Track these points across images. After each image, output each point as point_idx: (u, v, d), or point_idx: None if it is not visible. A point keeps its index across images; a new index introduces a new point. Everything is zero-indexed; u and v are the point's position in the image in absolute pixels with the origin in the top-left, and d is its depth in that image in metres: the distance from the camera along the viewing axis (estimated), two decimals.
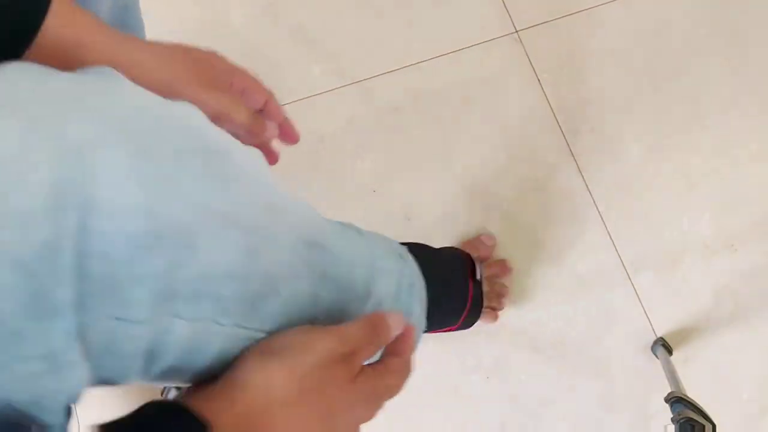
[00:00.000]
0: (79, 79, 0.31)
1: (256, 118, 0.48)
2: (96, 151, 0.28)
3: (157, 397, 0.73)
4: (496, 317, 0.82)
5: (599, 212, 0.86)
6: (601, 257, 0.85)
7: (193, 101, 0.37)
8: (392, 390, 0.41)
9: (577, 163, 0.87)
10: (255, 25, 0.94)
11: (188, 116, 0.35)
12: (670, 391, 0.70)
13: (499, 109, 0.89)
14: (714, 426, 0.60)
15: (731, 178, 0.87)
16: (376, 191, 0.89)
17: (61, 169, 0.27)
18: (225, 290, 0.34)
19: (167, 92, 0.37)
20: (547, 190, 0.87)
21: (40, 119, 0.27)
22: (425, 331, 0.70)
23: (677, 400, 0.66)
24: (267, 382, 0.35)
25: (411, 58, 0.91)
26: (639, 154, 0.87)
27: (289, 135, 0.54)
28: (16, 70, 0.30)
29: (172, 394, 0.76)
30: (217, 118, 0.44)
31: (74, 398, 0.30)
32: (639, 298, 0.84)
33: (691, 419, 0.60)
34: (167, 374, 0.35)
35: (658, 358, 0.82)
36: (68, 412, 0.31)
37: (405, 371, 0.42)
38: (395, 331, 0.42)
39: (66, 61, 0.37)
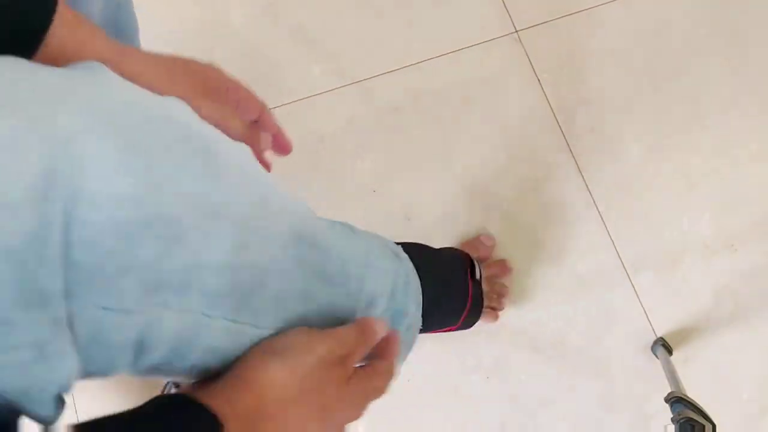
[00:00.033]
0: (69, 74, 0.32)
1: (250, 129, 0.49)
2: (84, 142, 0.28)
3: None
4: (496, 317, 0.82)
5: (599, 212, 0.86)
6: (601, 257, 0.85)
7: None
8: (378, 391, 0.44)
9: (577, 163, 0.87)
10: (255, 25, 0.94)
11: (177, 111, 0.35)
12: (670, 391, 0.70)
13: (499, 109, 0.89)
14: (714, 426, 0.60)
15: (731, 178, 0.87)
16: (376, 191, 0.89)
17: (49, 159, 0.27)
18: (213, 282, 0.34)
19: None
20: (547, 190, 0.87)
21: (29, 111, 0.28)
22: (426, 331, 0.70)
23: (677, 400, 0.66)
24: (270, 380, 0.36)
25: (411, 58, 0.91)
26: (639, 154, 0.88)
27: (282, 146, 0.56)
28: (4, 64, 0.30)
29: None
30: None
31: (65, 388, 0.30)
32: (639, 298, 0.84)
33: (691, 419, 0.60)
34: (157, 367, 0.36)
35: (658, 358, 0.82)
36: (60, 404, 0.31)
37: (390, 374, 0.45)
38: (380, 335, 0.45)
39: None
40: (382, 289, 0.51)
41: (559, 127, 0.88)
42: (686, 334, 0.84)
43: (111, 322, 0.31)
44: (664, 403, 0.68)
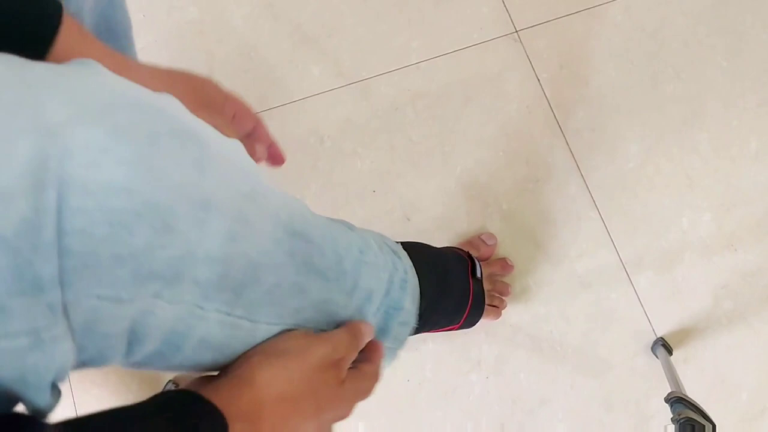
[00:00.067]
0: (59, 67, 0.32)
1: (245, 141, 0.50)
2: (74, 130, 0.28)
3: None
4: (498, 315, 0.82)
5: (599, 212, 0.86)
6: (601, 257, 0.86)
7: None
8: (367, 393, 0.46)
9: (577, 163, 0.88)
10: (255, 25, 0.94)
11: (167, 103, 0.35)
12: (670, 391, 0.70)
13: (499, 109, 0.90)
14: (714, 426, 0.60)
15: (731, 178, 0.87)
16: (376, 191, 0.89)
17: (39, 147, 0.27)
18: (205, 274, 0.34)
19: None
20: (547, 190, 0.87)
21: (18, 100, 0.28)
22: (428, 331, 0.70)
23: (677, 400, 0.66)
24: (271, 380, 0.38)
25: (411, 58, 0.91)
26: (639, 154, 0.88)
27: (276, 157, 0.58)
28: None
29: None
30: None
31: (60, 376, 0.31)
32: (639, 298, 0.84)
33: (691, 419, 0.60)
34: (151, 359, 0.36)
35: (658, 358, 0.82)
36: (56, 393, 0.31)
37: (377, 377, 0.48)
38: (368, 338, 0.48)
39: None
40: (377, 285, 0.51)
41: (559, 126, 0.88)
42: (686, 334, 0.84)
43: (105, 311, 0.31)
44: (664, 403, 0.68)
